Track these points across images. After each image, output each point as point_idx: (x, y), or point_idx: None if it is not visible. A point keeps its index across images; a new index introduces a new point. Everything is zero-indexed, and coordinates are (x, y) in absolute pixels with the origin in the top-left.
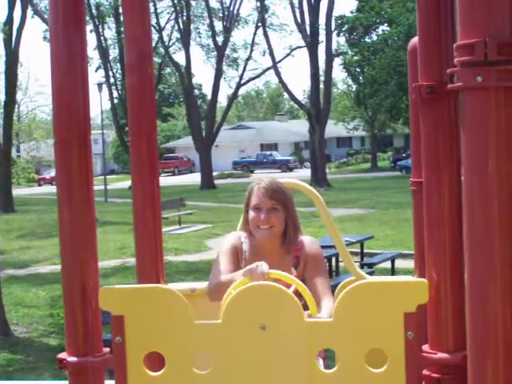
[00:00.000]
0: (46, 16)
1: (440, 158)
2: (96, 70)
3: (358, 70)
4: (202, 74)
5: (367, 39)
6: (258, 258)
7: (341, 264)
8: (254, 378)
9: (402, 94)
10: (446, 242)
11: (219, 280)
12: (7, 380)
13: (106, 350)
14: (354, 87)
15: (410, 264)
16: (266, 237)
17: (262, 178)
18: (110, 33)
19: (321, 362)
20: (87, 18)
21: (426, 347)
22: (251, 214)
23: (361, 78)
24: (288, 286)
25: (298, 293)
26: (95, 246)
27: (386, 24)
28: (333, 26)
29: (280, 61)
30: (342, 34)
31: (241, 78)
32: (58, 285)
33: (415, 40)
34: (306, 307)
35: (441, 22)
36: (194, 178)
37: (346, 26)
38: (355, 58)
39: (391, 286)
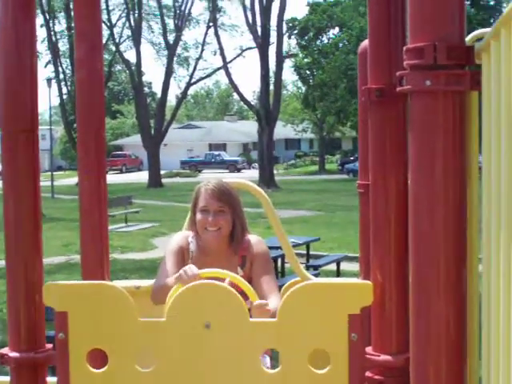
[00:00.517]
0: None
1: (387, 160)
2: (45, 66)
3: (308, 72)
4: (152, 72)
5: (318, 42)
6: (205, 258)
7: (287, 265)
8: (198, 377)
9: (350, 97)
10: (392, 245)
11: (158, 284)
12: None
13: (49, 346)
14: (304, 89)
15: (355, 267)
16: (213, 238)
17: (209, 179)
18: (60, 28)
19: (268, 359)
20: (37, 11)
21: (369, 349)
22: (199, 216)
23: (311, 80)
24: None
25: (236, 287)
26: (40, 241)
27: (337, 28)
28: (284, 29)
29: (230, 61)
30: (292, 37)
31: (191, 77)
32: (2, 280)
33: (366, 43)
34: (245, 297)
35: (391, 25)
36: (142, 177)
37: (298, 28)
38: (306, 60)
39: (336, 288)
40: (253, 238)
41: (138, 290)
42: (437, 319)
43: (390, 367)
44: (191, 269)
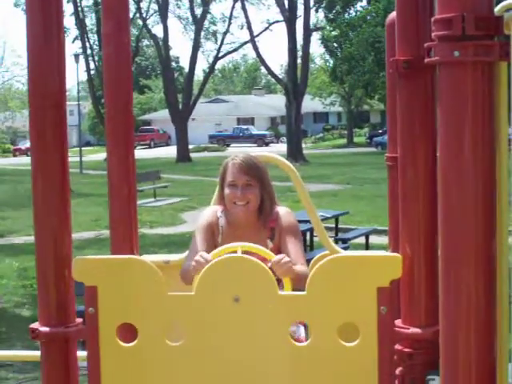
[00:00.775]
0: None
1: (416, 132)
2: (73, 41)
3: (335, 45)
4: (180, 47)
5: (346, 16)
6: (234, 232)
7: (315, 239)
8: (227, 350)
9: (378, 70)
10: (420, 217)
11: (185, 268)
12: None
13: (79, 320)
14: (332, 62)
15: (384, 240)
16: (242, 213)
17: (236, 153)
18: (87, 3)
19: (302, 329)
20: None
21: (398, 322)
22: (227, 190)
23: (338, 53)
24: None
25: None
26: (69, 216)
27: (364, 0)
28: (311, 2)
29: (258, 35)
30: (320, 10)
31: (218, 51)
32: (31, 256)
33: (393, 15)
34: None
35: None
36: (170, 151)
37: (325, 1)
38: (333, 33)
39: (365, 261)
40: (281, 209)
41: (167, 265)
42: (466, 292)
43: (420, 340)
44: (203, 256)
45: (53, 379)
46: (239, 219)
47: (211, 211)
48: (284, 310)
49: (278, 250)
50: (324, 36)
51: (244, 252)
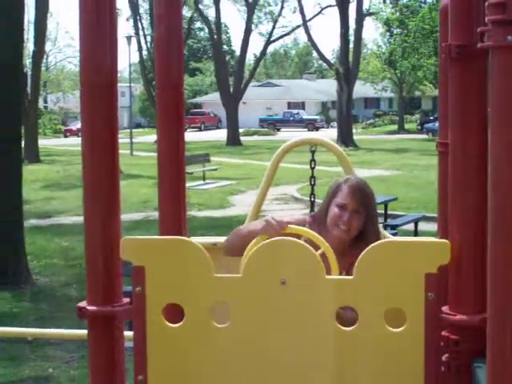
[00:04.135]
0: None
1: (467, 118)
2: (127, 20)
3: (392, 29)
4: (232, 30)
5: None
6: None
7: None
8: (273, 333)
9: (435, 56)
10: (470, 204)
11: (238, 232)
12: (27, 328)
13: (126, 300)
14: (385, 48)
15: (433, 227)
16: (340, 236)
17: (351, 177)
18: None
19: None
20: None
21: (445, 308)
22: (334, 210)
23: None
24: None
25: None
26: (118, 197)
27: None
28: None
29: (310, 19)
30: None
31: (270, 35)
32: (80, 236)
33: (447, 0)
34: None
35: None
36: (220, 134)
37: None
38: (395, 16)
39: (413, 246)
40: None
41: (214, 247)
42: None
43: (467, 327)
44: (276, 219)
45: (99, 358)
46: (333, 241)
47: (299, 219)
48: (331, 294)
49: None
50: (386, 17)
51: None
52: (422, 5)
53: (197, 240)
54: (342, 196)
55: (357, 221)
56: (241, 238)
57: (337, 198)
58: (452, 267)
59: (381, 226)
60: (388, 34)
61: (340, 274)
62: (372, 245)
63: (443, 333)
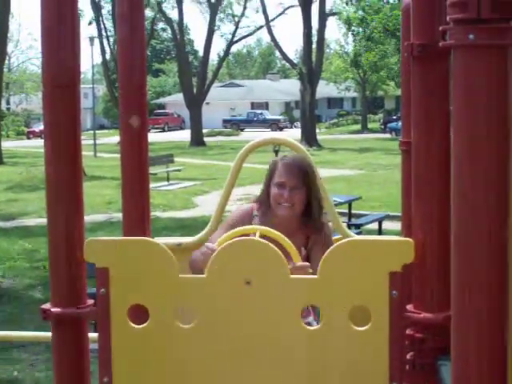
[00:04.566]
0: None
1: (430, 117)
2: (89, 24)
3: (354, 28)
4: (195, 31)
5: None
6: None
7: (329, 224)
8: (238, 333)
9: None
10: (433, 202)
11: (192, 258)
12: None
13: (90, 301)
14: (347, 48)
15: (397, 226)
16: (286, 213)
17: (287, 154)
18: None
19: (311, 318)
20: None
21: (410, 307)
22: (274, 190)
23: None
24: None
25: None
26: (81, 198)
27: None
28: None
29: (273, 19)
30: None
31: (233, 35)
32: (43, 237)
33: None
34: (289, 258)
35: None
36: (184, 135)
37: None
38: (357, 14)
39: (377, 245)
40: (327, 223)
41: (178, 248)
42: (478, 277)
43: (431, 325)
44: (208, 247)
45: (64, 360)
46: (280, 220)
47: (245, 210)
48: (295, 294)
49: (307, 258)
50: (348, 17)
51: (264, 238)
52: (385, 5)
53: (161, 241)
54: (279, 174)
55: (299, 196)
56: (194, 263)
57: (275, 178)
58: (416, 265)
59: (345, 225)
60: (350, 33)
61: (298, 249)
62: (336, 244)
63: (408, 331)
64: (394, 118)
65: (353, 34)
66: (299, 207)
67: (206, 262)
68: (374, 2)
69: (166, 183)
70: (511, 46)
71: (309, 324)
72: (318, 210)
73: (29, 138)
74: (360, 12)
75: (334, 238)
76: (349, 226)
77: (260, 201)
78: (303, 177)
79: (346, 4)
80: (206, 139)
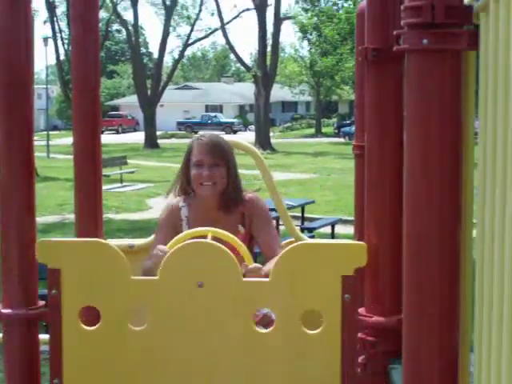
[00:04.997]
0: None
1: (383, 121)
2: (44, 23)
3: (310, 34)
4: (150, 33)
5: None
6: (203, 217)
7: (281, 227)
8: (189, 336)
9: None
10: (386, 206)
11: (144, 268)
12: None
13: (42, 303)
14: (302, 52)
15: (350, 230)
16: (209, 192)
17: (202, 133)
18: None
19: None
20: None
21: (362, 310)
22: (193, 171)
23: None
24: (228, 245)
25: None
26: (33, 199)
27: None
28: None
29: (228, 22)
30: None
31: (188, 37)
32: None
33: (364, 3)
34: (241, 260)
35: None
36: (138, 137)
37: None
38: (311, 20)
39: (330, 248)
40: (252, 195)
41: (131, 250)
42: (429, 281)
43: (382, 328)
44: (160, 249)
45: (14, 361)
46: (206, 201)
47: (171, 204)
48: (248, 297)
49: (249, 235)
50: (303, 23)
51: (215, 239)
52: (340, 11)
53: (113, 242)
54: (195, 154)
55: (219, 173)
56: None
57: (192, 159)
58: (368, 269)
59: (298, 228)
60: (305, 39)
61: (234, 227)
62: (289, 247)
63: (359, 334)
64: (348, 122)
65: (308, 42)
66: (222, 185)
67: (158, 264)
68: (329, 7)
69: (119, 185)
70: (464, 50)
71: (266, 316)
72: (236, 186)
73: None
74: (315, 18)
75: (286, 241)
76: (302, 230)
77: (182, 190)
78: (221, 153)
79: (305, 11)
80: (159, 141)
